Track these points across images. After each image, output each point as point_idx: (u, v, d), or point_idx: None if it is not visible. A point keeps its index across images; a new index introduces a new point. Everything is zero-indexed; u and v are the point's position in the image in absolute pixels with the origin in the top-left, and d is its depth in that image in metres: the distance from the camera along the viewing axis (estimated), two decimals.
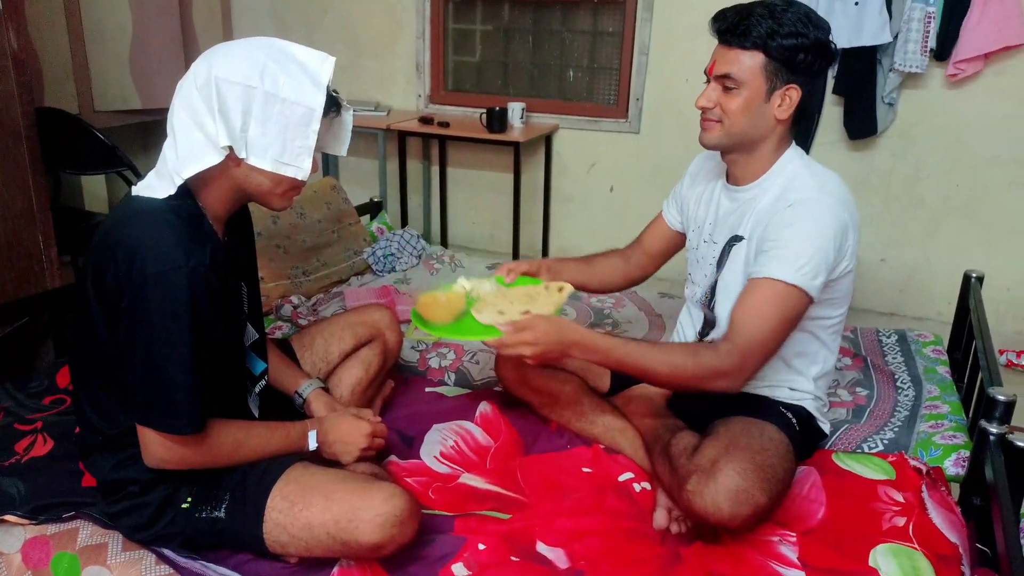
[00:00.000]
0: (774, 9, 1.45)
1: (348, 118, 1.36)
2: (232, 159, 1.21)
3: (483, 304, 1.51)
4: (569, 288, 1.58)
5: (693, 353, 1.44)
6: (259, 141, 1.20)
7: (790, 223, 1.46)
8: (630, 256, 1.88)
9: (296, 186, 1.28)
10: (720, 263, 1.62)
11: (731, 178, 1.63)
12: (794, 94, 1.48)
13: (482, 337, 1.43)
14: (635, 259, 1.88)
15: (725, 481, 1.35)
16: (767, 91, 1.47)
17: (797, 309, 1.46)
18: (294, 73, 1.20)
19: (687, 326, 1.76)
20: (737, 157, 1.57)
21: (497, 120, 3.48)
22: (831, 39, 1.49)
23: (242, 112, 1.18)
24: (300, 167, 1.22)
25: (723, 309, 1.60)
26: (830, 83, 3.20)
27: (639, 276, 1.89)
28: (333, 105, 1.27)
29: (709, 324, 1.67)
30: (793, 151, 1.57)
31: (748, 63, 1.46)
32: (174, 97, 1.23)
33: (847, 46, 2.99)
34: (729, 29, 1.47)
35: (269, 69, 1.19)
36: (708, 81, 1.53)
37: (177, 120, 1.21)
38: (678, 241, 1.84)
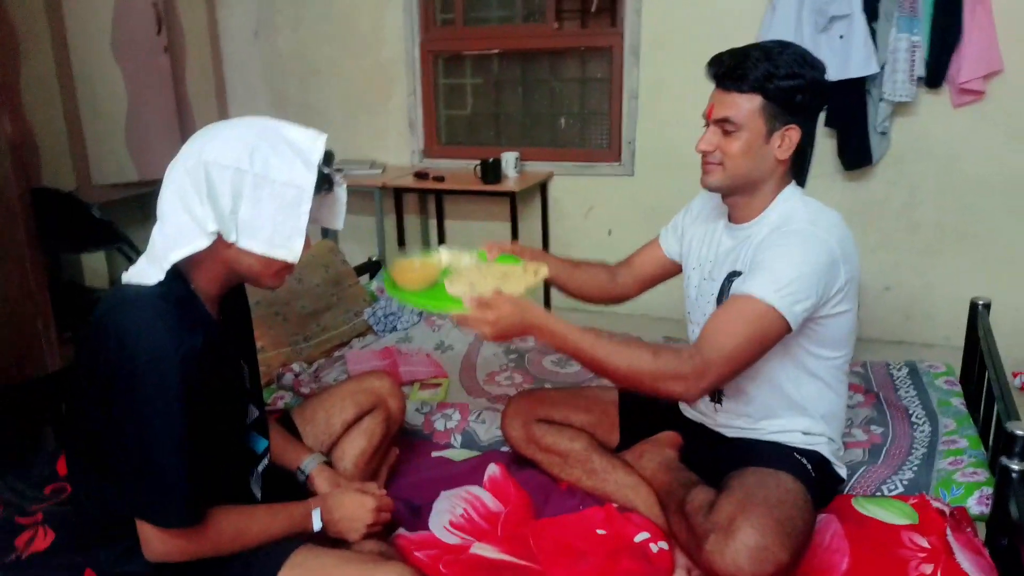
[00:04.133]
0: (770, 52, 1.46)
1: (341, 193, 1.35)
2: (222, 242, 1.20)
3: (457, 276, 1.51)
4: (544, 271, 1.57)
5: (654, 352, 1.41)
6: (249, 224, 1.18)
7: (776, 247, 1.46)
8: (616, 274, 1.87)
9: (288, 266, 1.26)
10: (720, 300, 1.60)
11: (732, 217, 1.62)
12: (794, 134, 1.48)
13: (446, 308, 1.45)
14: (620, 278, 1.86)
15: (744, 539, 1.31)
16: (767, 132, 1.47)
17: (771, 331, 1.42)
18: (284, 154, 1.19)
19: None
20: (739, 199, 1.57)
21: (491, 171, 3.49)
22: (826, 79, 1.50)
23: (232, 195, 1.17)
24: (291, 249, 1.21)
25: None
26: (821, 116, 3.21)
27: (619, 295, 1.87)
28: (325, 183, 1.26)
29: None
30: (791, 189, 1.57)
31: (747, 106, 1.46)
32: (163, 180, 1.22)
33: (835, 79, 3.01)
34: (726, 73, 1.48)
35: (260, 150, 1.18)
36: (707, 125, 1.52)
37: (166, 203, 1.20)
38: (670, 269, 1.83)
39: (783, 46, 1.48)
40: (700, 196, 1.77)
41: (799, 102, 1.46)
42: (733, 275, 1.57)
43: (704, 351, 1.40)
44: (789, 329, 1.43)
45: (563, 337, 1.41)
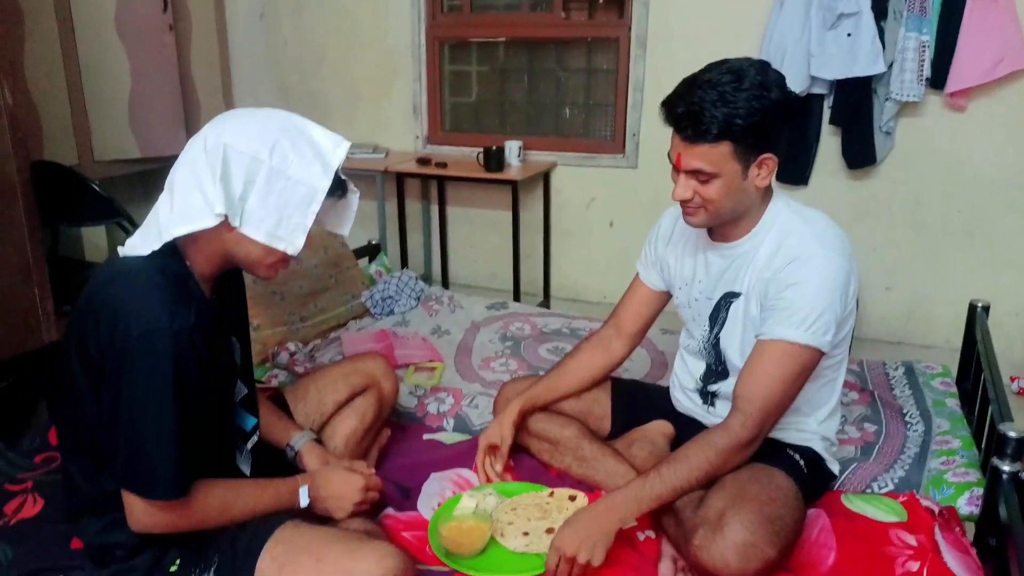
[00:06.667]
0: (724, 92, 1.35)
1: (354, 200, 1.34)
2: (225, 225, 1.19)
3: (502, 526, 1.49)
4: (582, 498, 1.56)
5: (709, 445, 1.41)
6: (256, 212, 1.18)
7: (795, 282, 1.43)
8: (609, 342, 1.78)
9: (285, 259, 1.26)
10: (714, 319, 1.59)
11: (717, 235, 1.58)
12: (771, 162, 1.43)
13: (525, 573, 1.41)
14: (616, 344, 1.77)
15: (733, 535, 1.31)
16: (743, 170, 1.42)
17: (807, 365, 1.44)
18: (305, 152, 1.19)
19: (683, 375, 1.73)
20: (726, 225, 1.54)
21: (494, 159, 3.48)
22: (789, 92, 1.42)
23: (244, 182, 1.17)
24: (293, 243, 1.21)
25: (732, 361, 1.58)
26: (826, 113, 3.20)
27: (623, 356, 1.79)
28: (339, 188, 1.26)
29: (716, 374, 1.64)
30: (778, 200, 1.53)
31: (716, 155, 1.39)
32: (181, 154, 1.22)
33: (840, 77, 3.00)
34: (686, 126, 1.39)
35: (280, 145, 1.18)
36: (676, 171, 1.45)
37: (179, 178, 1.19)
38: (661, 304, 1.78)
39: (737, 79, 1.36)
40: (666, 215, 1.73)
41: (769, 131, 1.39)
42: (731, 296, 1.55)
43: (751, 412, 1.41)
44: (822, 355, 1.45)
45: (637, 502, 1.39)
